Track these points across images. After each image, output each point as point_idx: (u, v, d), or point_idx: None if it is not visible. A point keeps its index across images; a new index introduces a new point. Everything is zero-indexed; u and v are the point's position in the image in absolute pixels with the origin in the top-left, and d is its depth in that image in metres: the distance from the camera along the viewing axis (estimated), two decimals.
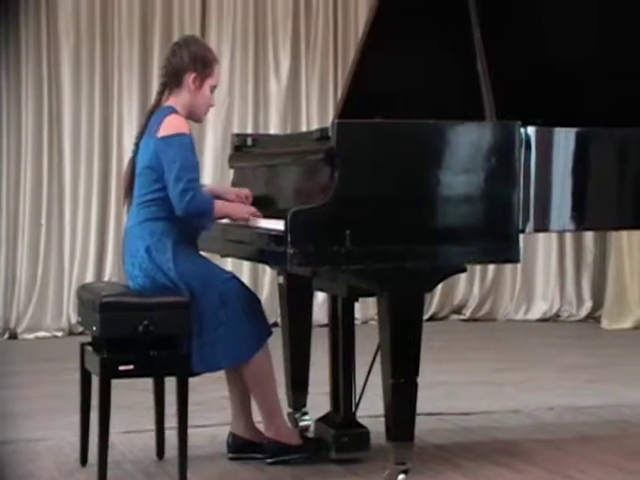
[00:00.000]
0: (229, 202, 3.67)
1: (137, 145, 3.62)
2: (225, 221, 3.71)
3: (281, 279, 4.06)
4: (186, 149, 3.46)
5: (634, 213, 3.59)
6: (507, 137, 3.35)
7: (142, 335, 3.36)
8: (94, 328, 3.42)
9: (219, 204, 3.56)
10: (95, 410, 3.42)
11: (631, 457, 3.77)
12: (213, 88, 3.63)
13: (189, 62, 3.56)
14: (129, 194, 3.62)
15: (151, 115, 3.60)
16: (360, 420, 3.75)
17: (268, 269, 6.66)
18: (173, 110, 3.55)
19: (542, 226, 3.47)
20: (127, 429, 4.03)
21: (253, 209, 3.60)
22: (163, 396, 3.72)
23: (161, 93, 3.63)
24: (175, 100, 3.60)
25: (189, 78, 3.57)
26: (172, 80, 3.60)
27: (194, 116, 3.63)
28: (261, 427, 3.70)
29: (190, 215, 3.46)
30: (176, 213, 3.46)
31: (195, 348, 3.45)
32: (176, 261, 3.48)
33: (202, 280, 3.48)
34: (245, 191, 3.77)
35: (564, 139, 3.48)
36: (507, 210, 3.35)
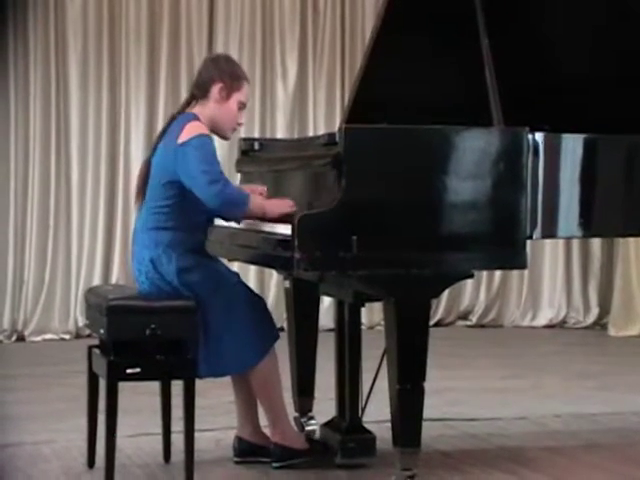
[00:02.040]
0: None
1: (155, 148, 3.60)
2: (233, 225, 3.71)
3: (287, 284, 4.06)
4: (208, 147, 3.44)
5: None
6: (515, 143, 3.35)
7: (149, 339, 3.37)
8: (101, 331, 3.43)
9: (257, 198, 3.50)
10: (102, 413, 3.43)
11: (638, 465, 3.76)
12: (242, 105, 3.60)
13: (218, 74, 3.57)
14: (141, 195, 3.60)
15: (173, 120, 3.59)
16: (366, 425, 3.75)
17: (275, 273, 6.66)
18: (195, 117, 3.54)
19: (549, 232, 3.47)
20: (134, 432, 4.03)
21: (291, 202, 3.45)
22: (170, 400, 3.73)
23: (188, 102, 3.63)
24: (200, 110, 3.59)
25: (216, 88, 3.56)
26: (199, 91, 3.60)
27: (219, 130, 3.60)
28: (267, 431, 3.70)
29: (223, 206, 3.41)
30: (208, 206, 3.41)
31: (202, 355, 3.45)
32: (180, 273, 3.48)
33: (208, 289, 3.48)
34: (260, 187, 3.70)
35: (572, 145, 3.48)
36: (514, 216, 3.34)
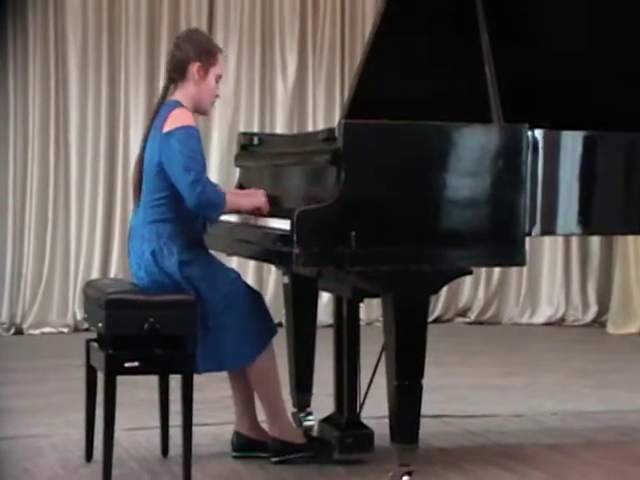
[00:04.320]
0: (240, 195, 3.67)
1: (145, 142, 3.62)
2: (232, 220, 3.71)
3: (286, 279, 4.06)
4: (192, 140, 3.45)
5: None
6: (514, 140, 3.35)
7: (148, 333, 3.37)
8: (100, 325, 3.42)
9: (230, 196, 3.56)
10: (100, 407, 3.43)
11: (635, 463, 3.76)
12: (218, 78, 3.63)
13: (193, 53, 3.57)
14: (138, 192, 3.61)
15: (158, 110, 3.60)
16: (364, 421, 3.75)
17: (273, 269, 6.66)
18: (178, 104, 3.55)
19: (549, 229, 3.47)
20: (132, 426, 4.03)
21: (263, 199, 3.57)
22: (168, 394, 3.73)
23: (167, 88, 3.63)
24: (181, 93, 3.60)
25: (193, 68, 3.57)
26: (177, 73, 3.60)
27: (200, 108, 3.62)
28: (265, 426, 3.70)
29: (201, 207, 3.43)
30: (187, 205, 3.44)
31: (200, 350, 3.45)
32: (181, 266, 3.48)
33: (207, 284, 3.48)
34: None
35: (571, 142, 3.48)
36: (513, 213, 3.34)
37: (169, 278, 3.50)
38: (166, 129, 3.47)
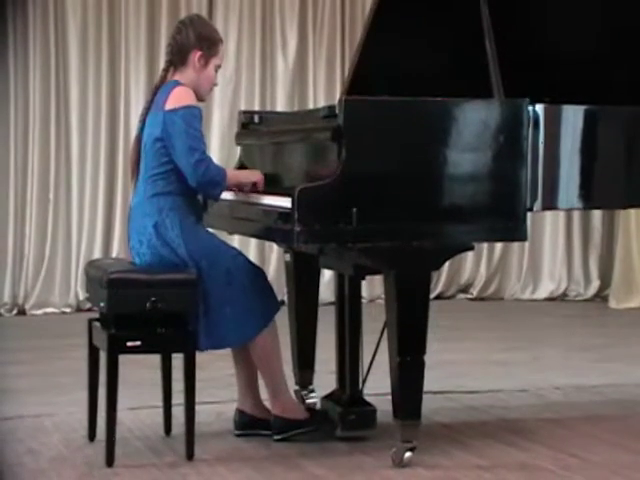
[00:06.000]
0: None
1: (143, 122, 3.61)
2: (232, 198, 3.71)
3: (288, 257, 4.06)
4: (196, 120, 3.47)
5: None
6: (515, 115, 3.34)
7: (150, 312, 3.37)
8: (102, 304, 3.43)
9: (230, 173, 3.59)
10: (103, 386, 3.43)
11: (637, 436, 3.77)
12: (217, 68, 3.64)
13: (195, 41, 3.57)
14: (136, 172, 3.61)
15: (157, 91, 3.60)
16: (367, 398, 3.76)
17: (275, 247, 6.67)
18: (179, 83, 3.56)
19: (550, 204, 3.46)
20: (135, 405, 4.04)
21: (260, 174, 3.65)
22: (170, 373, 3.73)
23: (166, 70, 3.64)
24: (180, 77, 3.60)
25: (195, 56, 3.57)
26: (177, 58, 3.60)
27: (197, 95, 3.62)
28: (268, 404, 3.71)
29: (204, 185, 3.46)
30: (190, 184, 3.46)
31: (202, 327, 3.45)
32: (184, 238, 3.48)
33: (209, 258, 3.48)
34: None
35: (572, 117, 3.47)
36: (515, 188, 3.34)
37: (171, 251, 3.49)
38: (169, 106, 3.48)
